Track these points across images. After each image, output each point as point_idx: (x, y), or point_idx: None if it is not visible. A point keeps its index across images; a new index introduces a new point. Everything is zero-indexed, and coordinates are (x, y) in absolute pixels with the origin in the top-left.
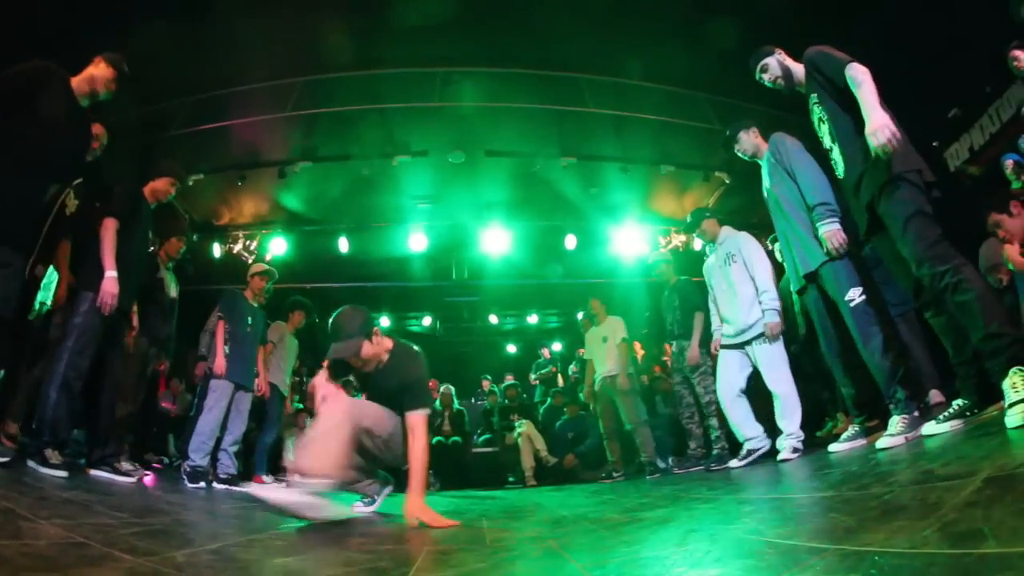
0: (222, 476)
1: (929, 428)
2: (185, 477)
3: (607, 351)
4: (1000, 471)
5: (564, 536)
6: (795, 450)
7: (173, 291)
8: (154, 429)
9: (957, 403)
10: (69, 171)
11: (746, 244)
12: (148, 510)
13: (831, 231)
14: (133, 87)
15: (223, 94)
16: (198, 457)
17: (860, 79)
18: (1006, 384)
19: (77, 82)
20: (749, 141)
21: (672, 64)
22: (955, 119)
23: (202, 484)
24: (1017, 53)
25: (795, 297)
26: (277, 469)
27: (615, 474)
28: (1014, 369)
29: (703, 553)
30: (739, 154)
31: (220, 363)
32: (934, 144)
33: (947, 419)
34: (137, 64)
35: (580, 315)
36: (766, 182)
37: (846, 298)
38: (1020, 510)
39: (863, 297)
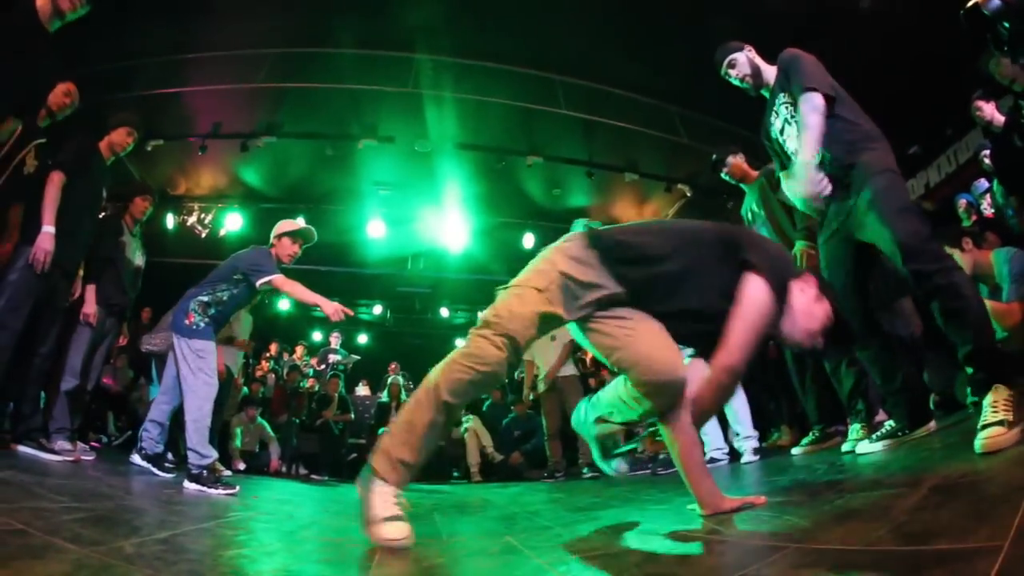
0: (150, 453)
1: (863, 447)
2: (202, 484)
3: (556, 351)
4: (944, 481)
5: (521, 533)
6: (755, 451)
7: (139, 259)
8: (92, 406)
9: (888, 424)
10: (31, 101)
11: None
12: (90, 494)
13: None
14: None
15: (192, 58)
16: (209, 451)
17: (810, 121)
18: (987, 401)
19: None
20: (737, 166)
21: (649, 75)
22: (914, 156)
23: (235, 489)
24: (980, 103)
25: None
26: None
27: (557, 474)
28: (996, 386)
29: (665, 551)
30: (725, 177)
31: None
32: None
33: (879, 439)
34: (101, 20)
35: None
36: (755, 206)
37: None
38: (967, 513)
39: None
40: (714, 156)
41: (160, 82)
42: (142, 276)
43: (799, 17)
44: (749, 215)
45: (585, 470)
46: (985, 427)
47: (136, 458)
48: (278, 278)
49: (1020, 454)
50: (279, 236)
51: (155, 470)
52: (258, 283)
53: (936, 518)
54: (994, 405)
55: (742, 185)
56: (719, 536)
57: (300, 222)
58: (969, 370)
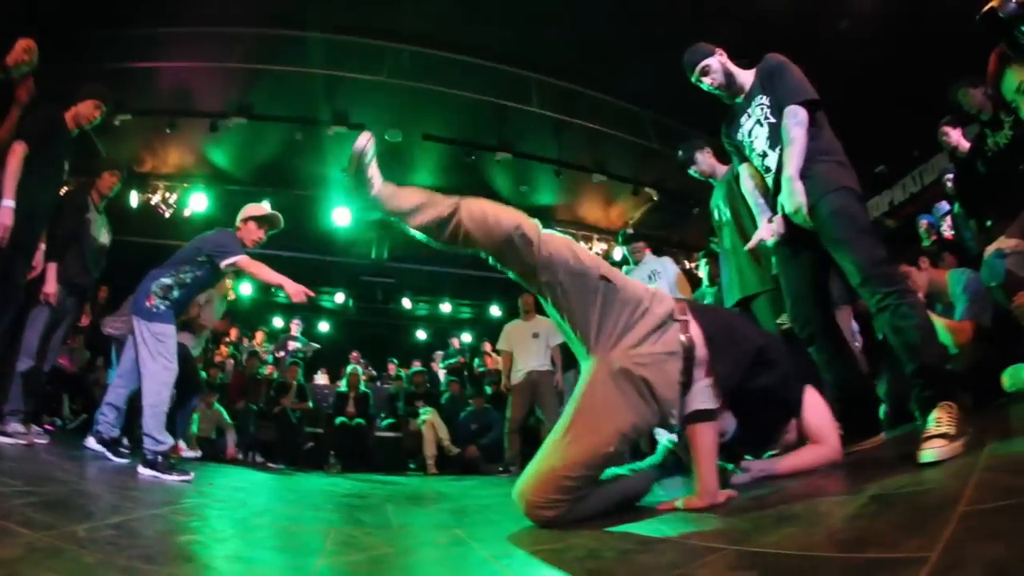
0: (106, 437)
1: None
2: (157, 471)
3: (536, 347)
4: (883, 490)
5: (470, 526)
6: None
7: (104, 236)
8: (48, 387)
9: None
10: None
11: (670, 266)
12: (43, 478)
13: None
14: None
15: (165, 32)
16: (165, 437)
17: (794, 135)
18: (931, 417)
19: None
20: (705, 161)
21: (622, 78)
22: (880, 174)
23: (190, 476)
24: (947, 129)
25: None
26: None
27: (512, 468)
28: (942, 403)
29: (607, 548)
30: (693, 173)
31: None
32: None
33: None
34: None
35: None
36: (721, 203)
37: (777, 321)
38: (901, 523)
39: (787, 325)
40: (680, 153)
41: (132, 55)
42: (106, 255)
43: (774, 31)
44: (716, 212)
45: None
46: (928, 439)
47: (91, 442)
48: (243, 259)
49: (959, 467)
50: (245, 220)
51: (110, 455)
52: (223, 264)
53: (871, 526)
54: (938, 419)
55: (712, 180)
56: (660, 536)
57: (266, 207)
58: (916, 387)
